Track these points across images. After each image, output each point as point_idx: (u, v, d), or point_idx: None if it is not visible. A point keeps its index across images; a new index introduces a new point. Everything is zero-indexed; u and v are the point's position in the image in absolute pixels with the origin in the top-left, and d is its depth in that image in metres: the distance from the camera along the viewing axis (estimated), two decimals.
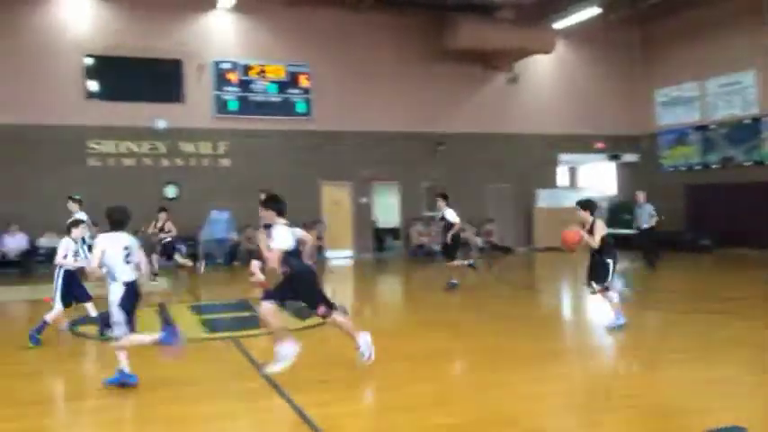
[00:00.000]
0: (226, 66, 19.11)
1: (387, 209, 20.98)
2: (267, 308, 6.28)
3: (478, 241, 20.43)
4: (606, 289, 8.17)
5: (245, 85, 19.26)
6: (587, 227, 8.13)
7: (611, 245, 8.25)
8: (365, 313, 10.86)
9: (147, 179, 18.12)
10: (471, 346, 7.80)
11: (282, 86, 19.58)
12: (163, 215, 14.43)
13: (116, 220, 6.15)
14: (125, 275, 6.00)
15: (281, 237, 6.22)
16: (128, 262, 6.04)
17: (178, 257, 14.51)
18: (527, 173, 21.69)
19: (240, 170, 18.90)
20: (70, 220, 8.54)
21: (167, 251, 14.21)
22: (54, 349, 7.80)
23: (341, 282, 15.56)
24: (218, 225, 17.70)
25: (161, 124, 18.06)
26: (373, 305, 12.15)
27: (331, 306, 6.43)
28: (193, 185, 18.55)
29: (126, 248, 6.05)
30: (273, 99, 19.52)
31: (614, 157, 23.17)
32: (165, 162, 18.64)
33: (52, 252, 16.62)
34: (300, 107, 19.74)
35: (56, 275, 7.99)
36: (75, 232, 8.19)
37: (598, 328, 8.64)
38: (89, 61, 17.91)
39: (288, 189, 19.23)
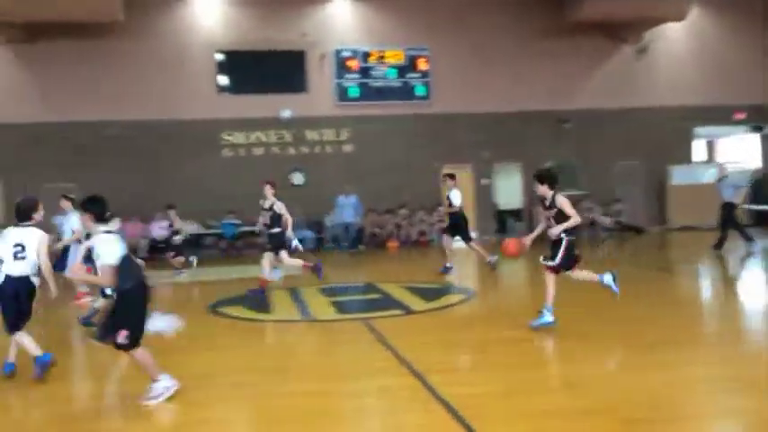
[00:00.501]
0: (346, 53, 19.49)
1: (508, 190, 20.64)
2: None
3: (607, 221, 19.65)
4: (556, 270, 7.21)
5: (365, 71, 19.56)
6: (547, 202, 7.26)
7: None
8: (489, 297, 10.78)
9: (275, 167, 18.87)
10: (606, 329, 7.53)
11: (402, 71, 19.71)
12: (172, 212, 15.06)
13: (19, 213, 6.08)
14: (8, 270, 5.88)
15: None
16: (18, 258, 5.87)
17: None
18: (659, 148, 20.54)
19: (362, 156, 19.29)
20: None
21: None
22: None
23: (465, 264, 15.51)
24: (345, 210, 18.16)
25: (287, 114, 18.73)
26: (497, 288, 12.01)
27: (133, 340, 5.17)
28: (318, 172, 19.14)
29: (17, 245, 5.88)
30: (393, 84, 19.70)
31: (757, 129, 21.43)
32: (292, 150, 19.35)
33: (194, 238, 17.85)
34: (420, 91, 19.79)
35: None
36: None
37: (745, 313, 8.08)
38: (220, 57, 18.90)
39: (409, 173, 19.60)
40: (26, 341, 6.00)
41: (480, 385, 5.53)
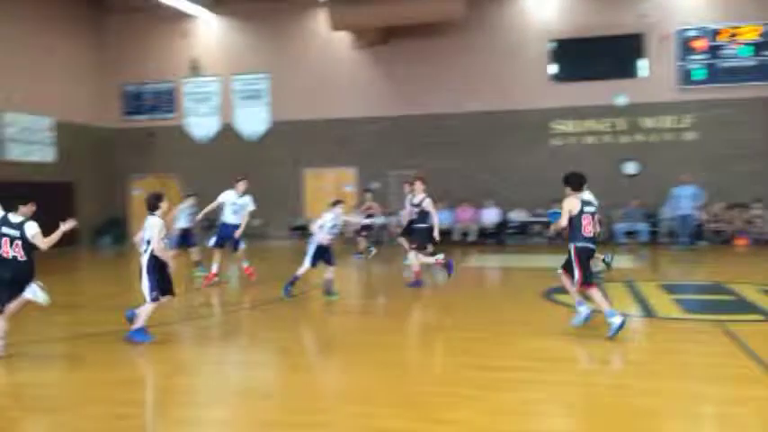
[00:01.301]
0: (691, 33, 17.92)
1: None
2: None
3: None
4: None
5: (713, 51, 17.77)
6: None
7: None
8: None
9: (606, 156, 18.31)
10: None
11: (759, 48, 17.45)
12: (369, 196, 15.28)
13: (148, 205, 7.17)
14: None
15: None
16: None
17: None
18: None
19: (707, 143, 17.62)
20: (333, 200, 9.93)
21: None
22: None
23: None
24: (680, 201, 16.80)
25: (622, 100, 17.96)
26: None
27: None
28: (654, 161, 18.02)
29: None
30: (747, 63, 17.56)
31: None
32: (625, 139, 18.52)
33: (521, 226, 18.29)
34: None
35: (310, 242, 9.52)
36: (336, 210, 9.48)
37: None
38: (552, 46, 18.89)
39: (765, 163, 17.32)
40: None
41: None
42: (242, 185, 11.50)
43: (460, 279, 11.52)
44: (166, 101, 21.72)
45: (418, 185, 10.69)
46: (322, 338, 7.75)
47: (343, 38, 19.97)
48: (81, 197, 20.06)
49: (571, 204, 7.07)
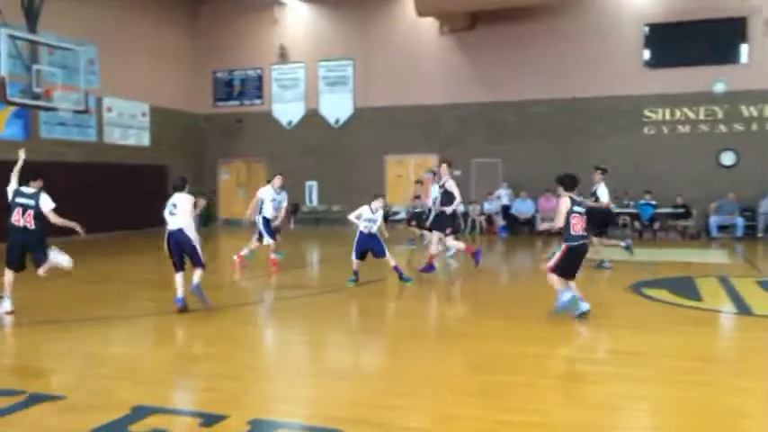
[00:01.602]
0: None
1: None
2: None
3: None
4: None
5: None
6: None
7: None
8: None
9: (700, 146, 17.46)
10: None
11: None
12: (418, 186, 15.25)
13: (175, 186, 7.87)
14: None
15: None
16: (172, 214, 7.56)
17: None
18: None
19: None
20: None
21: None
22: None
23: None
24: None
25: (721, 87, 17.05)
26: None
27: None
28: (754, 152, 17.04)
29: (172, 204, 7.59)
30: None
31: None
32: (722, 128, 17.59)
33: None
34: None
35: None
36: (375, 204, 9.58)
37: None
38: (647, 30, 18.12)
39: None
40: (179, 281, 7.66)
41: None
42: (278, 181, 11.84)
43: (540, 269, 11.26)
44: (254, 87, 22.28)
45: (444, 168, 10.71)
46: (404, 324, 7.78)
47: (430, 23, 19.86)
48: (173, 180, 20.88)
49: (566, 204, 7.27)
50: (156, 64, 20.61)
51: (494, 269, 12.31)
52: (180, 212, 7.58)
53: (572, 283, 7.37)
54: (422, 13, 18.61)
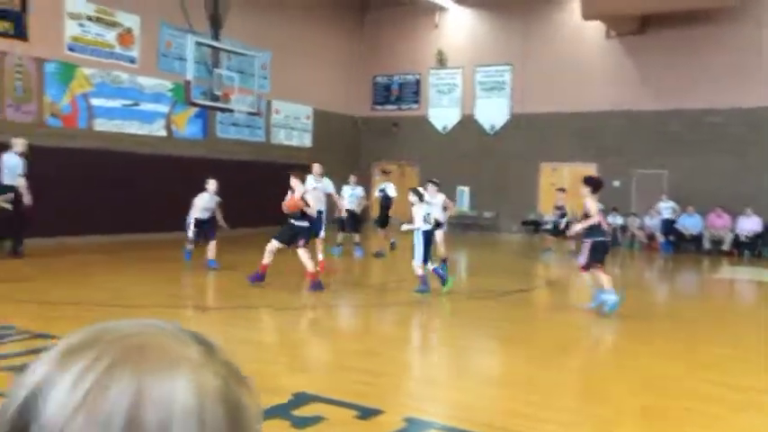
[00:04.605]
0: None
1: None
2: None
3: None
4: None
5: None
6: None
7: None
8: None
9: None
10: None
11: None
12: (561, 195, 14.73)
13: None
14: None
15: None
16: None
17: None
18: None
19: None
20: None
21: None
22: None
23: None
24: None
25: None
26: None
27: None
28: None
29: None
30: None
31: None
32: None
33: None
34: None
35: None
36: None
37: None
38: None
39: None
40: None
41: None
42: (317, 168, 11.65)
43: (708, 290, 10.47)
44: (411, 92, 22.69)
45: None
46: (551, 335, 7.58)
47: (595, 27, 19.15)
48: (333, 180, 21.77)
49: (596, 204, 8.07)
50: (320, 69, 21.60)
51: (655, 286, 11.64)
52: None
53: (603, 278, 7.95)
54: (588, 16, 17.99)
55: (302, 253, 8.85)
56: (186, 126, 17.04)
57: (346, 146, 22.83)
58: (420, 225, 8.97)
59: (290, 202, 8.77)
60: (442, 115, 22.01)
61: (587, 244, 8.09)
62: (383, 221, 13.95)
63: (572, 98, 19.43)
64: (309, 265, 8.84)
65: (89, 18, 14.49)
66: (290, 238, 8.92)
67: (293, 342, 6.58)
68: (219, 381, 0.53)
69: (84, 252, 11.96)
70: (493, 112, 21.07)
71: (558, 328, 7.97)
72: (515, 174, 20.23)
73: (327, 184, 11.77)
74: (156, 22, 15.79)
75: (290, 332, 7.04)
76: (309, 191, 10.46)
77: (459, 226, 21.09)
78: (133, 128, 15.54)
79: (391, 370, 5.55)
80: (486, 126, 21.17)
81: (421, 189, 9.83)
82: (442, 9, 21.57)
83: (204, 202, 10.46)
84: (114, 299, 7.85)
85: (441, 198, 11.30)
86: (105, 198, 13.96)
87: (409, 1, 20.94)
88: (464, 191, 21.43)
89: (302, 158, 20.70)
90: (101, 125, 14.82)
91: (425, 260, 9.01)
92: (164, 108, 16.29)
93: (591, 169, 19.12)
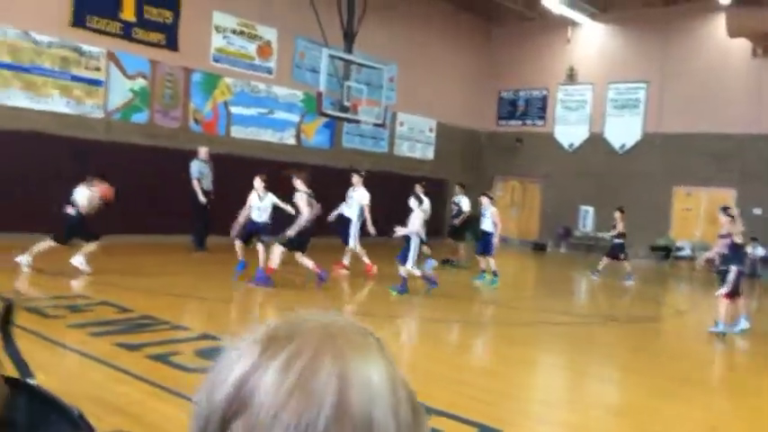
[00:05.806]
0: None
1: None
2: None
3: None
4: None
5: None
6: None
7: None
8: None
9: None
10: None
11: None
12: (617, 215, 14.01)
13: None
14: None
15: None
16: None
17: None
18: None
19: None
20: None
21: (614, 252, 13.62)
22: None
23: None
24: None
25: None
26: None
27: None
28: None
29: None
30: None
31: None
32: None
33: None
34: None
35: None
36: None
37: None
38: None
39: None
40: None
41: None
42: (356, 178, 11.65)
43: None
44: (538, 107, 22.27)
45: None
46: (677, 365, 7.15)
47: (740, 45, 17.97)
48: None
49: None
50: (446, 82, 21.69)
51: None
52: None
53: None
54: (734, 34, 16.91)
55: (261, 247, 9.22)
56: (314, 135, 17.65)
57: (468, 160, 22.75)
58: (414, 230, 8.78)
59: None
60: (569, 132, 21.43)
61: (734, 272, 8.07)
62: (457, 234, 14.36)
63: (712, 118, 18.32)
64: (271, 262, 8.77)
65: (233, 31, 15.41)
66: (299, 245, 9.03)
67: (411, 353, 6.62)
68: (395, 367, 0.58)
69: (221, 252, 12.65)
70: (624, 131, 20.25)
71: (685, 359, 7.51)
72: (645, 196, 19.30)
73: (362, 196, 11.59)
74: (291, 35, 16.53)
75: (407, 343, 7.09)
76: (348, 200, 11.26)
77: (581, 247, 20.39)
78: (266, 135, 16.31)
79: (513, 391, 5.45)
80: (616, 145, 20.38)
81: (421, 194, 9.94)
82: (574, 24, 21.05)
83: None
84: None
85: (492, 211, 11.30)
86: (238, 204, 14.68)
87: (540, 16, 20.60)
88: (588, 211, 20.72)
89: (424, 171, 20.85)
90: (237, 132, 15.67)
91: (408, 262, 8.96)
92: (295, 117, 16.99)
93: (729, 195, 17.93)
